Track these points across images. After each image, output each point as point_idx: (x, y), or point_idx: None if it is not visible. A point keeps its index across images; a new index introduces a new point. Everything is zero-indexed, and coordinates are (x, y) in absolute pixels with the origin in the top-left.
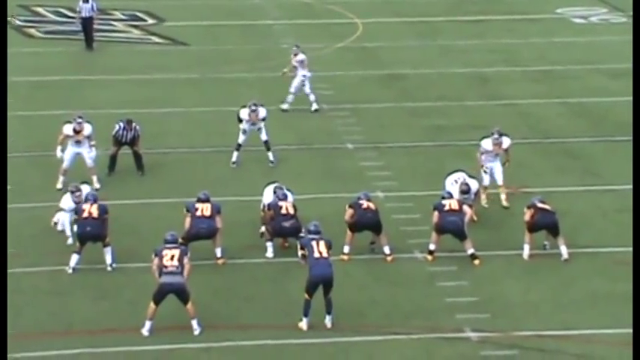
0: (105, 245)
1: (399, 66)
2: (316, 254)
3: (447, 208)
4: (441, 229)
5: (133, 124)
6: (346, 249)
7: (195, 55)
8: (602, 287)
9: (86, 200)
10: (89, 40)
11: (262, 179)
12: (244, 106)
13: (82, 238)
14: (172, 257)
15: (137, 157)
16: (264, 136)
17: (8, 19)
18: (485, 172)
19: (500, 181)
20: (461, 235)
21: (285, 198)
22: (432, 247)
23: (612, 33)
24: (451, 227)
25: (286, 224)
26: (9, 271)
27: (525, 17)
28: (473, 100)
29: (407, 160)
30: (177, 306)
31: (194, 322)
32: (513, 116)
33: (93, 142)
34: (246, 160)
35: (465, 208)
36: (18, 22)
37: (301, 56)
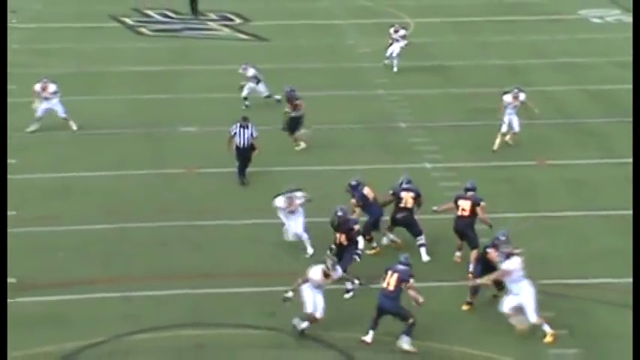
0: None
1: (444, 58)
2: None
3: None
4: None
5: (248, 123)
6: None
7: (275, 49)
8: (614, 244)
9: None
10: (195, 9)
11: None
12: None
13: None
14: None
15: (248, 161)
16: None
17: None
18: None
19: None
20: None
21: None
22: None
23: (625, 31)
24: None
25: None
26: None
27: (551, 18)
28: (507, 87)
29: (451, 137)
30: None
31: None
32: (541, 101)
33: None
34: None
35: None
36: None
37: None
